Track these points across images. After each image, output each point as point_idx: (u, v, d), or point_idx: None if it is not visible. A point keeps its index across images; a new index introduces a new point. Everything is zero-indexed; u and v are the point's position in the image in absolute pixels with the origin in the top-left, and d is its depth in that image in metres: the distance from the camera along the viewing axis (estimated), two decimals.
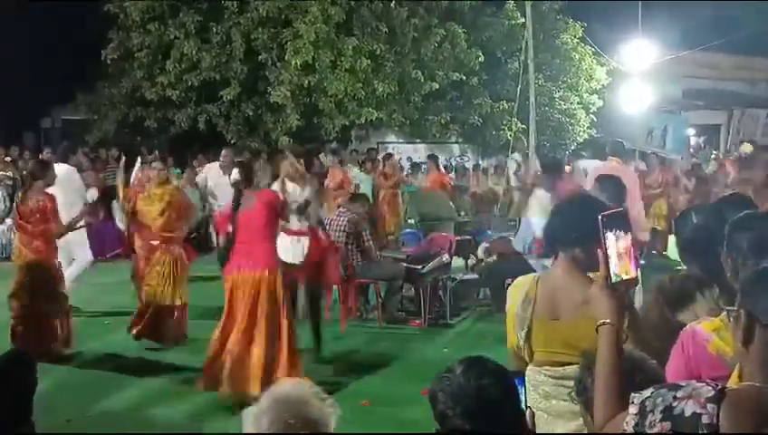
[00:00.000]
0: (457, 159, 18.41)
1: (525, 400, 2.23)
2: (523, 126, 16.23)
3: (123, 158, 10.56)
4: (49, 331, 7.00)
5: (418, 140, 18.45)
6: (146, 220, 7.46)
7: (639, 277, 2.12)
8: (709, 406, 1.60)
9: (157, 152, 10.32)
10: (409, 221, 12.66)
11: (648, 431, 1.66)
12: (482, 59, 17.67)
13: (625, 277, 2.06)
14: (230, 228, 5.96)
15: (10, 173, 13.22)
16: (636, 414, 1.71)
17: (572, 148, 18.54)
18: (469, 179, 16.00)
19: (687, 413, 1.62)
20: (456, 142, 19.05)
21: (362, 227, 8.39)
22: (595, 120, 19.32)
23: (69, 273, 8.22)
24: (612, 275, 2.05)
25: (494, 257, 9.23)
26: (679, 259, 3.15)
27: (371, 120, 16.80)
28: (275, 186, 6.96)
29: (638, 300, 3.85)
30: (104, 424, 5.62)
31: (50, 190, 7.23)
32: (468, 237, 10.49)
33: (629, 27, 16.81)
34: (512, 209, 12.65)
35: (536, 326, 2.93)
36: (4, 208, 12.52)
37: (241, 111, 16.93)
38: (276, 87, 16.23)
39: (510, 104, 16.37)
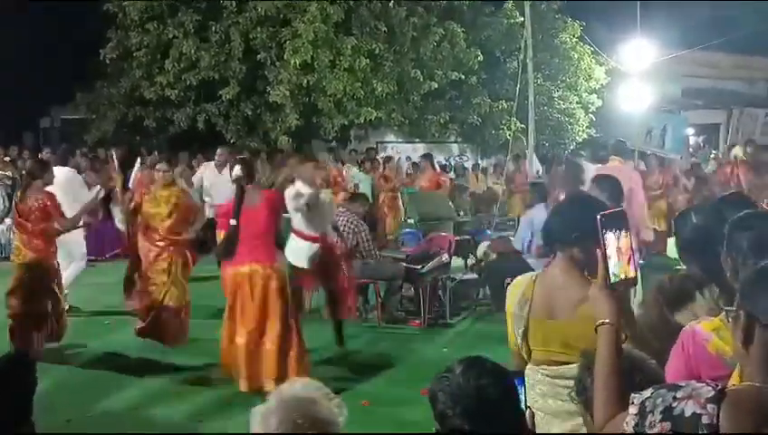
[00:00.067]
0: (456, 158, 18.38)
1: (525, 399, 2.24)
2: (522, 125, 16.25)
3: (115, 158, 10.57)
4: (44, 330, 6.99)
5: (417, 140, 18.41)
6: (153, 223, 7.40)
7: (639, 277, 2.12)
8: (709, 406, 1.61)
9: (156, 153, 10.30)
10: (409, 221, 12.64)
11: (648, 432, 1.66)
12: (481, 58, 17.65)
13: (624, 277, 2.06)
14: (233, 222, 5.97)
15: (9, 173, 13.20)
16: (636, 414, 1.71)
17: (571, 147, 18.54)
18: (468, 179, 15.97)
19: (687, 413, 1.62)
20: (455, 142, 19.02)
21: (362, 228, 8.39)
22: (594, 119, 19.30)
23: (67, 274, 8.22)
24: (611, 274, 2.05)
25: (494, 256, 9.24)
26: (679, 259, 3.15)
27: (370, 119, 16.77)
28: (291, 189, 7.05)
29: (637, 301, 3.85)
30: (104, 424, 5.63)
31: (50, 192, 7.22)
32: (467, 237, 10.48)
33: (628, 26, 16.78)
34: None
35: (533, 325, 2.94)
36: (3, 208, 12.48)
37: (240, 111, 16.89)
38: (275, 86, 16.19)
39: (509, 104, 16.37)
